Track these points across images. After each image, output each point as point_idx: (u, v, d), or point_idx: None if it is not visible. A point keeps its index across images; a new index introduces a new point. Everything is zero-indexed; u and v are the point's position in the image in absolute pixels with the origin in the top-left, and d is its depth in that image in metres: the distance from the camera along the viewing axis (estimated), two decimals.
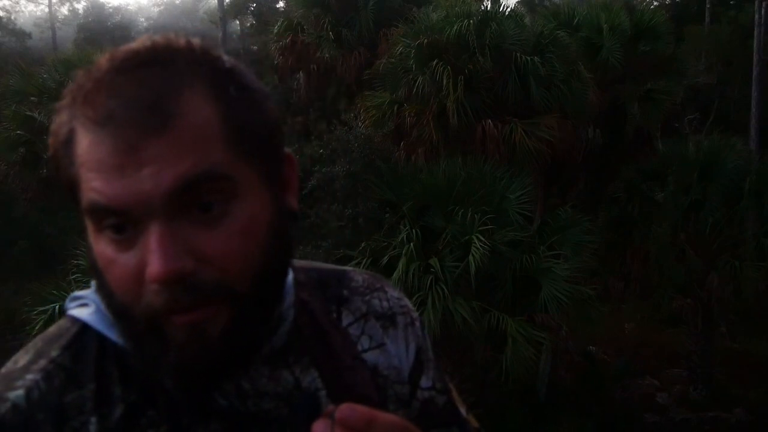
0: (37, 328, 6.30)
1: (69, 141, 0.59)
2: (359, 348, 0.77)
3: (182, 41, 0.61)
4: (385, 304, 0.82)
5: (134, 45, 0.60)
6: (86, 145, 0.57)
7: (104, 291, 0.61)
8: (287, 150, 0.68)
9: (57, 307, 6.41)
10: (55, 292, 6.70)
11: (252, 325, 0.61)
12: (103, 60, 0.59)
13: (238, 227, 0.59)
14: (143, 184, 0.55)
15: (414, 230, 7.45)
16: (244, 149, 0.60)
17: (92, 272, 0.62)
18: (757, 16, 16.57)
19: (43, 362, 0.64)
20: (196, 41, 0.62)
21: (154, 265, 0.55)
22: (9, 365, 0.66)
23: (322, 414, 0.55)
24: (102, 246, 0.59)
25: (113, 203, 0.56)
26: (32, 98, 11.01)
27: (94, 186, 0.57)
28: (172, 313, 0.57)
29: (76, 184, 0.59)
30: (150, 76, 0.57)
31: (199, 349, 0.58)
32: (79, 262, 6.86)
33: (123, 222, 0.57)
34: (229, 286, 0.58)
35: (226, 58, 0.62)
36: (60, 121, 0.60)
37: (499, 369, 7.23)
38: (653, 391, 10.95)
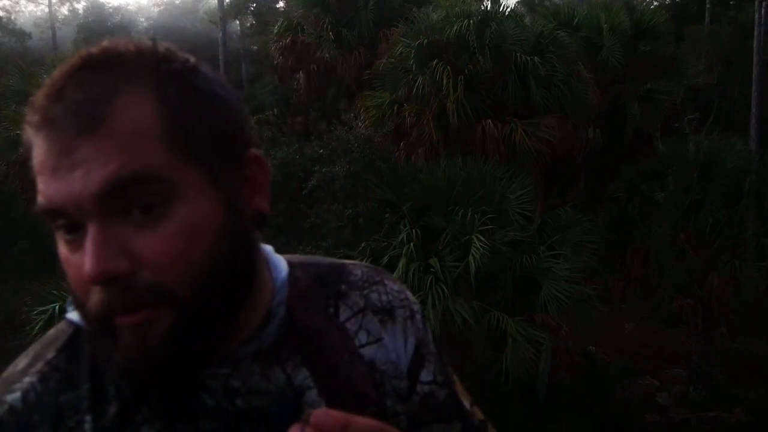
0: (37, 328, 6.31)
1: (30, 150, 0.61)
2: (357, 343, 0.77)
3: (132, 46, 0.61)
4: (384, 297, 0.82)
5: (89, 50, 0.61)
6: (34, 150, 0.59)
7: (70, 291, 0.63)
8: (256, 151, 0.67)
9: (57, 307, 6.41)
10: (55, 292, 6.69)
11: (198, 329, 0.60)
12: (61, 65, 0.61)
13: (177, 229, 0.58)
14: (74, 185, 0.56)
15: (414, 230, 7.45)
16: (189, 151, 0.59)
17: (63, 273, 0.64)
18: (757, 16, 16.58)
19: (39, 365, 0.66)
20: (149, 45, 0.62)
21: (87, 266, 0.56)
22: (10, 369, 0.68)
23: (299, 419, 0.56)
24: (60, 246, 0.61)
25: (51, 205, 0.58)
26: (32, 98, 11.00)
27: (39, 188, 0.59)
28: (112, 314, 0.58)
29: (36, 191, 0.61)
30: (89, 80, 0.58)
31: (140, 350, 0.58)
32: None
33: (69, 224, 0.59)
34: (168, 289, 0.58)
35: (181, 60, 0.62)
36: (24, 130, 0.62)
37: (499, 369, 7.22)
38: (653, 391, 10.94)
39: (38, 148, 0.58)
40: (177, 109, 0.60)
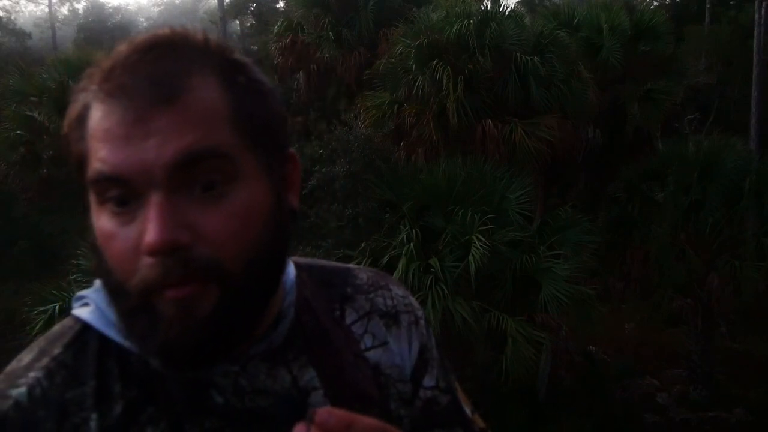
0: (37, 328, 6.30)
1: (82, 117, 0.61)
2: (362, 346, 0.77)
3: (200, 34, 0.64)
4: (389, 302, 0.82)
5: (154, 32, 0.63)
6: (98, 117, 0.59)
7: (103, 269, 0.62)
8: (292, 150, 0.70)
9: (57, 307, 6.41)
10: (55, 292, 6.70)
11: (240, 310, 0.61)
12: (124, 44, 0.62)
13: (235, 209, 0.60)
14: (147, 153, 0.57)
15: (414, 230, 7.45)
16: (249, 136, 0.62)
17: (93, 252, 0.64)
18: (757, 16, 16.57)
19: (45, 360, 0.66)
20: (212, 36, 0.65)
21: (151, 234, 0.56)
22: (13, 363, 0.67)
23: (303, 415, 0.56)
24: (103, 220, 0.60)
25: (117, 171, 0.58)
26: (32, 98, 11.01)
27: (100, 156, 0.59)
28: (163, 287, 0.58)
29: (84, 159, 0.61)
30: (163, 57, 0.60)
31: (185, 326, 0.59)
32: (79, 262, 6.86)
33: (125, 194, 0.59)
34: (221, 265, 0.59)
35: (238, 53, 0.66)
36: (76, 99, 0.63)
37: (499, 369, 7.22)
38: (653, 391, 10.94)
39: (106, 115, 0.59)
40: (240, 96, 0.62)
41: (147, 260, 0.58)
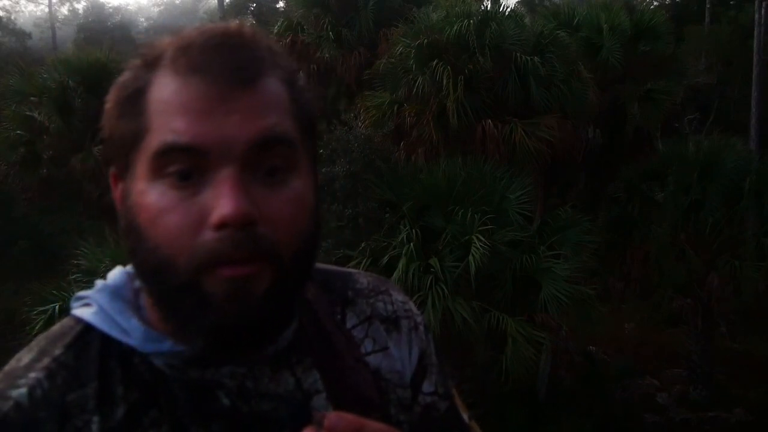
0: (37, 328, 6.29)
1: (139, 93, 0.62)
2: (363, 350, 0.77)
3: (263, 34, 0.68)
4: (389, 307, 0.82)
5: (225, 23, 0.66)
6: (172, 90, 0.61)
7: (145, 248, 0.61)
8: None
9: (57, 307, 6.40)
10: (55, 292, 6.69)
11: (289, 293, 0.63)
12: (189, 30, 0.64)
13: (292, 196, 0.63)
14: (230, 129, 0.59)
15: (414, 230, 7.45)
16: (304, 131, 0.66)
17: (128, 233, 0.63)
18: (757, 16, 16.57)
19: (46, 361, 0.65)
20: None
21: (227, 206, 0.57)
22: (12, 363, 0.66)
23: (310, 421, 0.56)
24: (155, 195, 0.60)
25: (196, 142, 0.59)
26: (32, 98, 10.99)
27: (175, 127, 0.59)
28: (224, 263, 0.58)
29: (141, 133, 0.61)
30: (241, 45, 0.63)
31: (241, 305, 0.59)
32: (79, 262, 6.86)
33: (190, 168, 0.59)
34: (278, 248, 0.60)
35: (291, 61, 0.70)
36: (129, 77, 0.64)
37: (499, 369, 7.22)
38: (653, 391, 10.95)
39: (183, 89, 0.60)
40: (297, 95, 0.66)
41: (210, 234, 0.58)
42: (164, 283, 0.61)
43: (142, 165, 0.61)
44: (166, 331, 0.65)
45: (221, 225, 0.58)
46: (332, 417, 0.54)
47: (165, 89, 0.61)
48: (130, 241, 0.63)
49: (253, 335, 0.62)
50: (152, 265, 0.61)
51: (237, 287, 0.59)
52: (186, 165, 0.59)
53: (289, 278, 0.62)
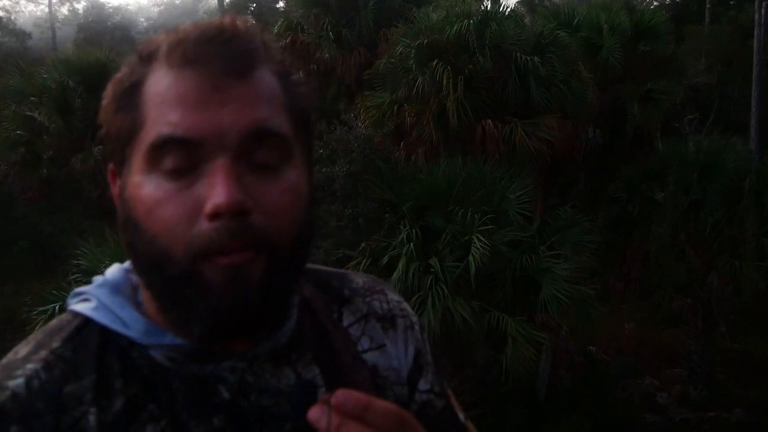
0: (37, 328, 6.28)
1: (135, 88, 0.63)
2: (359, 348, 0.78)
3: (257, 28, 0.68)
4: (385, 306, 0.83)
5: (220, 18, 0.67)
6: (166, 84, 0.61)
7: (142, 240, 0.62)
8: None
9: (57, 307, 6.40)
10: (55, 292, 6.69)
11: (284, 281, 0.64)
12: (185, 26, 0.65)
13: (287, 187, 0.63)
14: (224, 119, 0.60)
15: (414, 230, 7.45)
16: (297, 125, 0.66)
17: (125, 227, 0.64)
18: (757, 16, 16.57)
19: (43, 353, 0.65)
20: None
21: (220, 195, 0.58)
22: (9, 356, 0.67)
23: (317, 402, 0.56)
24: (151, 187, 0.61)
25: (191, 134, 0.59)
26: (32, 98, 10.98)
27: (170, 119, 0.60)
28: (220, 252, 0.59)
29: (137, 126, 0.62)
30: (235, 37, 0.64)
31: (238, 292, 0.60)
32: (79, 262, 6.86)
33: (185, 159, 0.60)
34: (273, 236, 0.61)
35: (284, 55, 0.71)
36: (125, 72, 0.65)
37: (499, 369, 7.22)
38: (653, 391, 10.94)
39: (178, 81, 0.61)
40: (291, 89, 0.67)
41: (205, 224, 0.59)
42: (163, 274, 0.61)
43: (138, 158, 0.62)
44: (165, 325, 0.65)
45: (215, 214, 0.58)
46: (340, 395, 0.54)
47: (160, 83, 0.62)
48: (127, 234, 0.64)
49: (250, 324, 0.62)
50: (150, 257, 0.62)
51: (234, 274, 0.60)
52: (181, 156, 0.60)
53: (285, 266, 0.63)
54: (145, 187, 0.61)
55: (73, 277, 6.79)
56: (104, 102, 0.66)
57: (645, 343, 12.10)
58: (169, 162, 0.60)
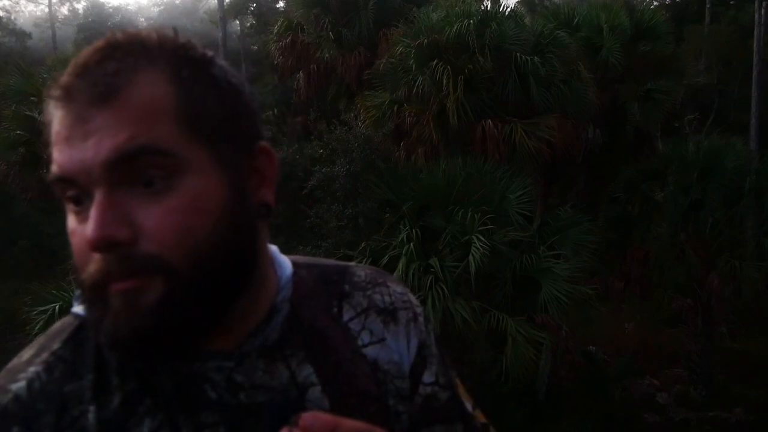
0: (37, 328, 6.30)
1: (48, 124, 0.63)
2: (360, 343, 0.78)
3: (155, 33, 0.64)
4: (386, 299, 0.83)
5: (109, 35, 0.64)
6: (54, 122, 0.62)
7: (74, 265, 0.65)
8: (265, 144, 0.69)
9: (57, 307, 6.40)
10: (55, 292, 6.69)
11: (189, 304, 0.61)
12: (87, 48, 0.64)
13: (179, 204, 0.60)
14: (86, 153, 0.59)
15: (414, 230, 7.44)
16: (200, 132, 0.62)
17: None
18: (757, 16, 16.58)
19: (45, 355, 0.67)
20: (170, 34, 0.65)
21: (88, 231, 0.59)
22: (14, 360, 0.69)
23: (288, 422, 0.56)
24: (69, 221, 0.64)
25: (63, 173, 0.60)
26: (32, 98, 10.98)
27: (54, 158, 0.61)
28: (108, 282, 0.60)
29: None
30: (107, 57, 0.61)
31: (130, 317, 0.60)
32: None
33: (79, 194, 0.61)
34: (164, 260, 0.60)
35: (198, 50, 0.66)
36: (45, 108, 0.65)
37: (499, 369, 7.22)
38: (653, 391, 10.94)
39: (56, 119, 0.61)
40: (190, 92, 0.62)
41: (93, 256, 0.60)
42: (82, 298, 0.65)
43: None
44: None
45: (90, 249, 0.60)
46: (307, 417, 0.55)
47: (52, 120, 0.62)
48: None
49: (154, 343, 0.61)
50: (77, 282, 0.65)
51: (126, 300, 0.60)
52: (74, 192, 0.61)
53: (190, 287, 0.61)
54: (68, 219, 0.64)
55: (73, 277, 6.77)
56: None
57: (645, 343, 12.10)
58: (68, 198, 0.63)
